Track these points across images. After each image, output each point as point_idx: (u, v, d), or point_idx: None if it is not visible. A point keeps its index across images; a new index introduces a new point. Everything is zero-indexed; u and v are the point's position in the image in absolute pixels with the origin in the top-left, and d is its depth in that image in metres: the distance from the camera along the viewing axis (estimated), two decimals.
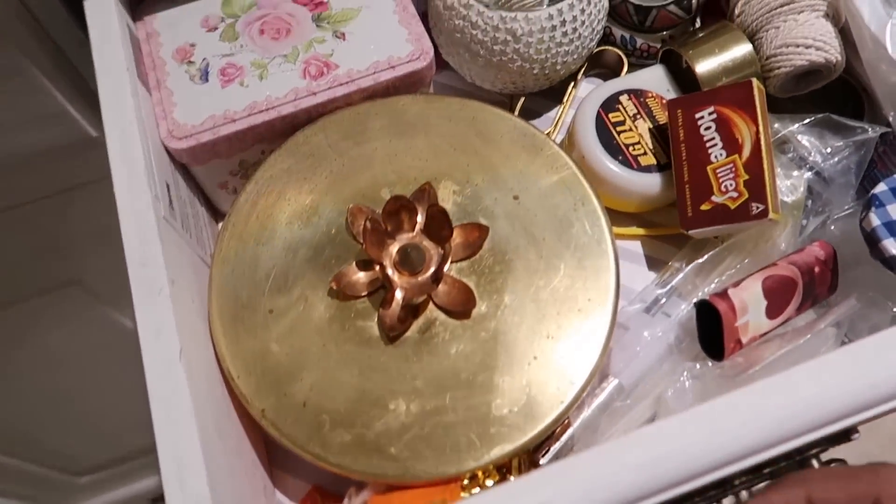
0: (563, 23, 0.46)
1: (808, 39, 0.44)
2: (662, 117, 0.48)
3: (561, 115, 0.53)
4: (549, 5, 0.46)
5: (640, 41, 0.52)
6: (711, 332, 0.40)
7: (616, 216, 0.49)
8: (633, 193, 0.47)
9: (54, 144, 0.59)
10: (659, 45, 0.52)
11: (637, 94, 0.48)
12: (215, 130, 0.43)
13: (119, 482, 1.36)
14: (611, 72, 0.55)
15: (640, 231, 0.49)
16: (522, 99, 0.52)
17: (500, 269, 0.40)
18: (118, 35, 0.43)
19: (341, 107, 0.45)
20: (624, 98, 0.48)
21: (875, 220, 0.39)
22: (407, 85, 0.46)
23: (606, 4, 0.49)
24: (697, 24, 0.53)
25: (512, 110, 0.52)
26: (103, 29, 0.43)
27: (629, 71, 0.53)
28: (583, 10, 0.47)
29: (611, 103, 0.48)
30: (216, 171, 0.47)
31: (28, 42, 0.49)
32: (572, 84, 0.53)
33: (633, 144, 0.47)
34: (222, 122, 0.43)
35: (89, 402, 1.01)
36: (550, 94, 0.53)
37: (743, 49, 0.47)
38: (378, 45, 0.45)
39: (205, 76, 0.45)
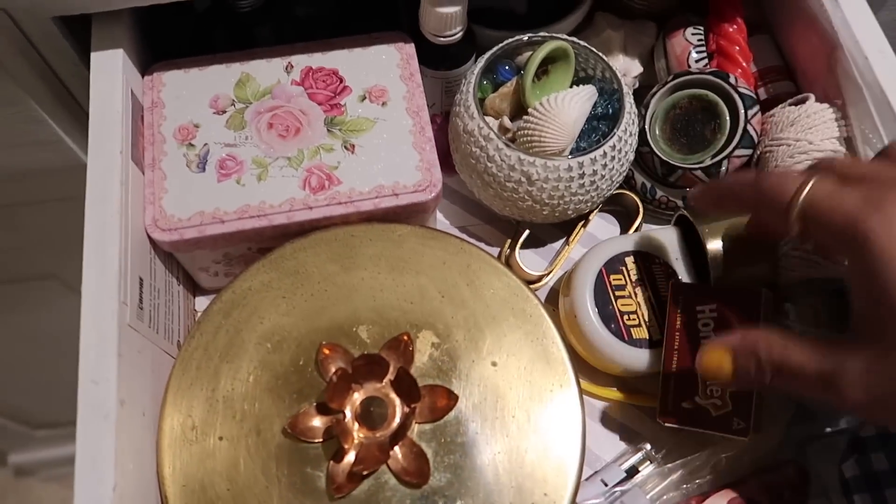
0: (582, 175, 0.44)
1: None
2: (665, 289, 0.46)
3: (565, 252, 0.51)
4: (572, 156, 0.44)
5: (660, 193, 0.50)
6: None
7: (597, 373, 0.48)
8: (617, 363, 0.45)
9: (48, 166, 0.58)
10: (679, 202, 0.50)
11: (643, 258, 0.46)
12: (201, 228, 0.41)
13: (71, 440, 1.44)
14: (624, 212, 0.53)
15: (618, 395, 0.47)
16: (527, 232, 0.50)
17: (462, 441, 0.38)
18: (118, 111, 0.41)
19: (337, 224, 0.43)
20: (629, 260, 0.46)
21: (852, 468, 0.37)
22: (409, 213, 0.44)
23: (632, 158, 0.47)
24: None
25: (516, 236, 0.50)
26: (105, 101, 0.41)
27: (644, 218, 0.51)
28: (605, 165, 0.45)
29: (615, 264, 0.46)
30: (198, 259, 0.45)
31: (29, 77, 0.47)
32: (582, 223, 0.51)
33: (628, 313, 0.45)
34: (210, 220, 0.42)
35: (53, 373, 1.03)
36: (560, 224, 0.51)
37: None
38: (386, 167, 0.43)
39: (202, 165, 0.43)
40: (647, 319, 0.45)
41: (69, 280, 0.81)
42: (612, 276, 0.45)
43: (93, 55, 0.42)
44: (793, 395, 0.41)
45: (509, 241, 0.51)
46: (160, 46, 0.48)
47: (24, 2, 0.40)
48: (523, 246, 0.51)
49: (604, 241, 0.47)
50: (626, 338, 0.44)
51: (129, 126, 0.42)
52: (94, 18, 0.43)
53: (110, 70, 0.42)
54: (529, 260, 0.51)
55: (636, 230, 0.50)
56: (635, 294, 0.45)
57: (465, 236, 0.52)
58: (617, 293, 0.45)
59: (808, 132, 0.44)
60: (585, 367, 0.48)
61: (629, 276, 0.46)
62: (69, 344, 0.36)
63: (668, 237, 0.47)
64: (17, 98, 0.48)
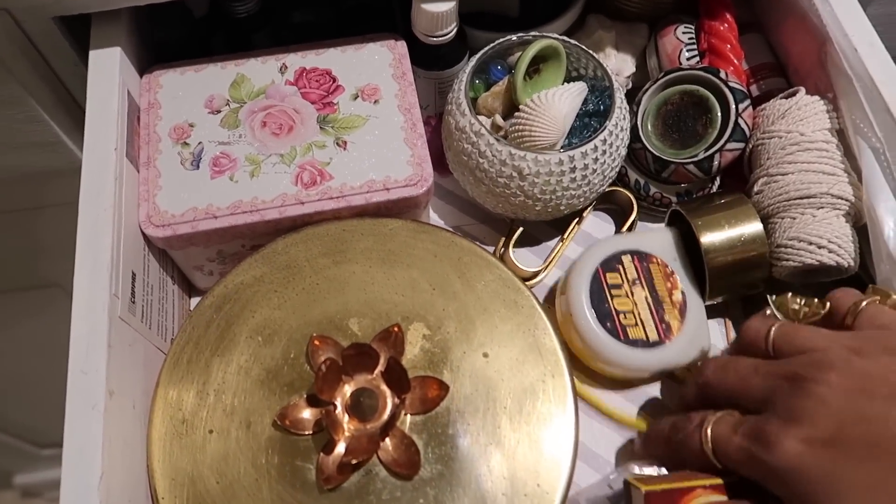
0: (573, 169, 0.44)
1: (821, 239, 0.42)
2: (662, 288, 0.45)
3: (560, 250, 0.51)
4: (563, 150, 0.44)
5: (653, 189, 0.50)
6: None
7: (598, 380, 0.47)
8: (613, 363, 0.44)
9: (48, 168, 0.59)
10: (673, 198, 0.50)
11: (641, 258, 0.46)
12: (194, 224, 0.42)
13: None
14: (619, 209, 0.53)
15: (608, 409, 0.46)
16: (521, 230, 0.50)
17: (453, 432, 0.38)
18: (115, 109, 0.42)
19: (328, 219, 0.43)
20: (627, 259, 0.46)
21: None
22: (400, 208, 0.44)
23: (623, 153, 0.47)
24: (717, 184, 0.51)
25: (510, 234, 0.50)
26: (101, 100, 0.42)
27: (638, 215, 0.51)
28: (596, 160, 0.45)
29: (612, 262, 0.45)
30: (192, 256, 0.45)
31: (30, 76, 0.48)
32: (576, 221, 0.51)
33: (624, 312, 0.44)
34: (203, 216, 0.42)
35: (58, 387, 1.03)
36: (554, 222, 0.51)
37: (753, 228, 0.45)
38: (377, 162, 0.44)
39: (196, 163, 0.43)
40: (643, 319, 0.44)
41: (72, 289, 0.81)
42: (608, 275, 0.45)
43: (91, 53, 0.43)
44: None
45: (503, 239, 0.51)
46: (159, 52, 0.49)
47: (25, 2, 0.41)
48: (518, 245, 0.51)
49: (601, 239, 0.47)
50: (622, 337, 0.44)
51: (125, 125, 0.43)
52: (94, 18, 0.44)
53: (108, 69, 0.43)
54: (525, 259, 0.51)
55: (630, 227, 0.50)
56: (632, 293, 0.45)
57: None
58: (613, 291, 0.45)
59: (799, 124, 0.44)
60: (586, 374, 0.47)
61: (626, 275, 0.45)
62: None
63: (665, 237, 0.47)
64: (19, 98, 0.49)
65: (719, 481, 0.35)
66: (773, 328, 0.36)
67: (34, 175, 0.60)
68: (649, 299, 0.45)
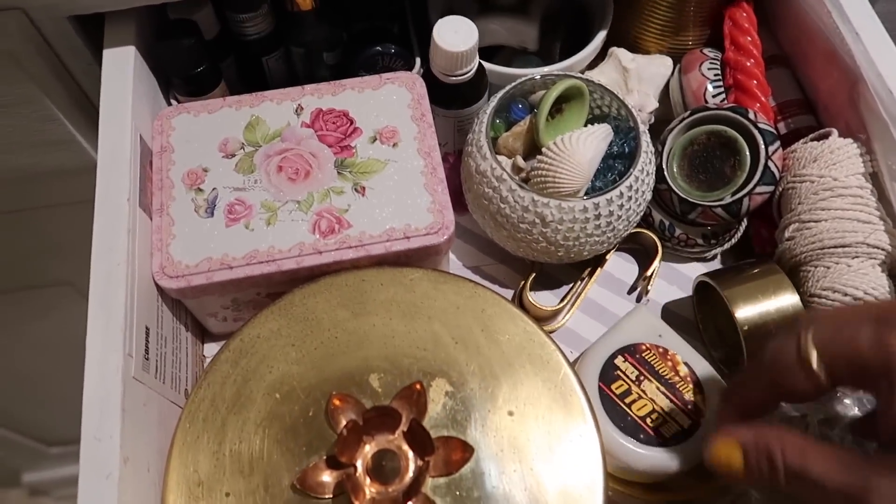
0: (598, 216, 0.43)
1: (857, 290, 0.40)
2: (666, 369, 0.43)
3: (584, 292, 0.49)
4: (587, 196, 0.43)
5: (679, 230, 0.49)
6: None
7: None
8: (667, 469, 0.41)
9: (62, 166, 0.58)
10: (699, 239, 0.49)
11: (630, 352, 0.43)
12: (209, 275, 0.41)
13: None
14: (642, 250, 0.51)
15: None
16: (536, 271, 0.49)
17: (479, 495, 0.37)
18: (127, 158, 0.41)
19: (347, 269, 0.42)
20: (619, 361, 0.43)
21: None
22: (421, 256, 0.43)
23: (649, 197, 0.46)
24: (744, 225, 0.50)
25: (530, 275, 0.49)
26: (113, 148, 0.41)
27: (663, 256, 0.49)
28: (621, 206, 0.43)
29: (608, 372, 0.43)
30: (207, 305, 0.44)
31: (45, 76, 0.48)
32: (599, 264, 0.49)
33: (648, 415, 0.42)
34: (218, 266, 0.41)
35: (67, 385, 1.01)
36: (576, 263, 0.50)
37: (789, 300, 0.43)
38: (397, 209, 0.42)
39: (211, 210, 0.42)
40: (667, 411, 0.42)
41: (84, 288, 0.81)
42: (612, 386, 0.43)
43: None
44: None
45: (523, 281, 0.49)
46: (170, 78, 0.48)
47: (41, 1, 0.41)
48: (539, 286, 0.50)
49: (584, 352, 0.45)
50: (659, 440, 0.41)
51: (137, 172, 0.42)
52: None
53: (121, 116, 0.42)
54: (546, 300, 0.50)
55: (655, 270, 0.49)
56: (643, 392, 0.42)
57: (478, 278, 0.51)
58: (626, 400, 0.42)
59: (832, 168, 0.43)
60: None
61: (627, 377, 0.43)
62: (79, 353, 0.36)
63: (640, 317, 0.45)
64: (33, 97, 0.49)
65: None
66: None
67: (48, 173, 0.59)
68: (661, 388, 0.42)
